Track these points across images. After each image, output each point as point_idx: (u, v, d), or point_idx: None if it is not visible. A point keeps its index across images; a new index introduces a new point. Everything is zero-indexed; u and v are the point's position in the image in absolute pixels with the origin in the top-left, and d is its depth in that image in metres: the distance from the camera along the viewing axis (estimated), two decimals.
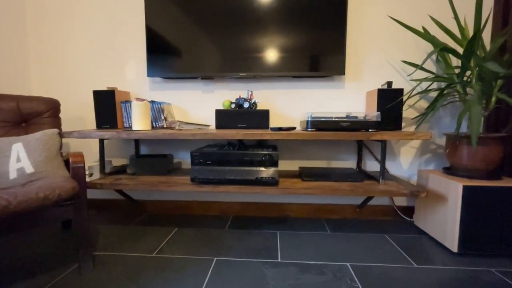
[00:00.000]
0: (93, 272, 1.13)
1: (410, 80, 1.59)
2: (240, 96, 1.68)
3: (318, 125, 1.30)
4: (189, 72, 1.67)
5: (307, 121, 1.32)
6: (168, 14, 1.64)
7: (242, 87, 1.75)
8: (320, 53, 1.59)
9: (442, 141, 1.66)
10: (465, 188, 1.21)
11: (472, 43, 1.10)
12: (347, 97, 1.69)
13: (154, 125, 1.66)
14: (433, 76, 1.44)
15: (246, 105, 1.60)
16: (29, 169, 1.19)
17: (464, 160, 1.32)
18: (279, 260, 1.23)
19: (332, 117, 1.30)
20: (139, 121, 1.44)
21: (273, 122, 1.75)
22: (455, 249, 1.25)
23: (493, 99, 1.26)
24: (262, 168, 1.31)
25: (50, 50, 1.80)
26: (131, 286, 1.04)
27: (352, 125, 1.29)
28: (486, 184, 1.21)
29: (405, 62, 1.57)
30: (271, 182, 1.31)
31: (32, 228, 1.01)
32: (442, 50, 1.21)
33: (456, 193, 1.24)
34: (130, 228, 1.59)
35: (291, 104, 1.73)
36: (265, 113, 1.58)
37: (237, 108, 1.62)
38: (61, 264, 1.19)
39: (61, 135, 1.37)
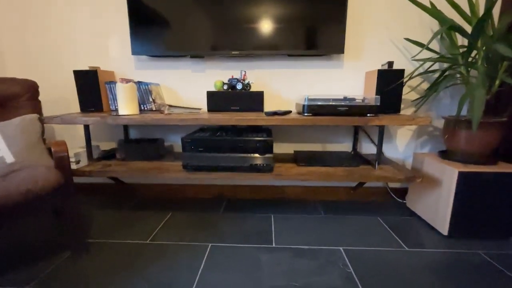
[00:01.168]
0: (87, 260, 1.13)
1: (413, 60, 1.51)
2: (232, 76, 1.58)
3: (315, 109, 1.24)
4: (177, 50, 1.55)
5: (303, 105, 1.25)
6: None
7: (235, 67, 1.64)
8: (318, 29, 1.47)
9: (440, 123, 1.63)
10: (461, 174, 1.20)
11: (483, 22, 1.02)
12: (345, 77, 1.61)
13: (142, 108, 1.58)
14: (437, 56, 1.36)
15: (239, 86, 1.52)
16: (9, 158, 1.12)
17: (462, 144, 1.30)
18: (274, 245, 1.24)
19: (329, 101, 1.24)
20: (125, 105, 1.35)
21: (268, 104, 1.68)
22: (445, 232, 1.28)
23: (497, 82, 1.21)
24: (257, 155, 1.27)
25: (25, 27, 1.63)
26: (125, 274, 1.04)
27: (350, 109, 1.23)
28: (481, 170, 1.20)
29: (408, 40, 1.48)
30: (266, 169, 1.28)
31: (17, 220, 0.97)
32: (449, 28, 1.12)
33: (451, 179, 1.24)
34: (123, 213, 1.57)
35: (287, 85, 1.65)
36: (259, 95, 1.50)
37: (229, 90, 1.54)
38: (54, 253, 1.18)
39: (41, 120, 1.28)
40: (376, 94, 1.42)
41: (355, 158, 1.47)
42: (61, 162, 1.07)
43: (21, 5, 1.61)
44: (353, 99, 1.26)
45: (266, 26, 1.48)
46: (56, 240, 1.27)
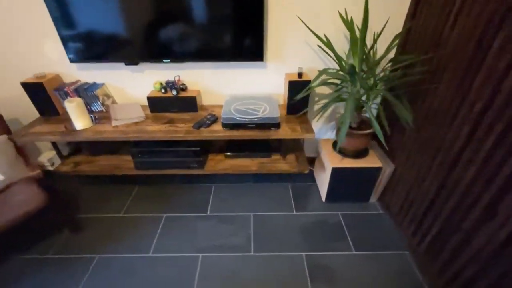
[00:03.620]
0: (84, 233, 1.70)
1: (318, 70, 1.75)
2: (168, 79, 1.79)
3: (231, 126, 1.60)
4: (112, 57, 1.68)
5: (222, 123, 1.60)
6: None
7: (171, 67, 1.81)
8: (240, 42, 1.62)
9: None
10: (333, 169, 1.72)
11: (352, 75, 1.29)
12: (268, 76, 1.85)
13: (93, 110, 1.83)
14: (333, 75, 1.63)
15: (174, 92, 1.76)
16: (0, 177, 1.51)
17: (343, 144, 1.75)
18: (208, 213, 1.85)
19: (243, 120, 1.58)
20: (78, 119, 1.63)
21: (205, 97, 1.95)
22: (323, 199, 1.91)
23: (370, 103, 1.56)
24: (191, 159, 1.70)
25: None
26: (110, 242, 1.64)
27: (257, 126, 1.60)
28: (348, 165, 1.71)
29: (320, 47, 1.68)
30: (199, 167, 1.74)
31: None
32: (327, 72, 1.38)
33: (329, 168, 1.76)
34: (99, 187, 2.06)
35: (218, 82, 1.88)
36: (193, 99, 1.78)
37: (166, 90, 1.78)
38: (57, 228, 1.73)
39: (11, 139, 1.58)
40: (288, 100, 1.74)
41: (272, 144, 1.93)
42: (40, 181, 1.48)
43: None
44: (262, 118, 1.59)
45: (192, 38, 1.60)
46: (56, 218, 1.81)
